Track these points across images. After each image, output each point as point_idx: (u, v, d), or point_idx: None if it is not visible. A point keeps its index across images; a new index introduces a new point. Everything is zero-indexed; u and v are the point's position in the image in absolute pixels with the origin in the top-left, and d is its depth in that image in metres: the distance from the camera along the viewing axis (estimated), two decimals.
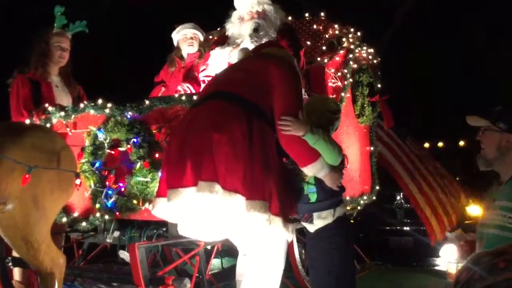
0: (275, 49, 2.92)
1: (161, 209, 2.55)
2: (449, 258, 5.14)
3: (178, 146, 2.47)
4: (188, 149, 2.40)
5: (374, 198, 4.73)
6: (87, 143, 3.48)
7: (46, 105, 3.62)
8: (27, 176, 2.52)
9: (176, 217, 2.63)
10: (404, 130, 6.39)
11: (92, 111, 3.48)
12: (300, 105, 2.66)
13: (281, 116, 2.53)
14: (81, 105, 3.53)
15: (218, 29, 4.70)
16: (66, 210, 3.46)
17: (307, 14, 4.47)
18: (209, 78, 4.09)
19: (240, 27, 3.84)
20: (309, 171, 2.64)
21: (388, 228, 6.89)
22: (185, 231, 2.70)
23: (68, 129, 3.54)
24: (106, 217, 3.39)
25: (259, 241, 2.63)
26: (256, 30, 3.68)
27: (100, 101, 3.48)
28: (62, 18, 3.97)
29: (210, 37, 4.73)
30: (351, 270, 2.85)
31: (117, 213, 3.37)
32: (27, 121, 3.54)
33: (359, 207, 4.51)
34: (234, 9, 3.89)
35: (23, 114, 3.70)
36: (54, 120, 3.56)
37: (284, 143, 2.58)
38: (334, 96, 4.09)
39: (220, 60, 3.89)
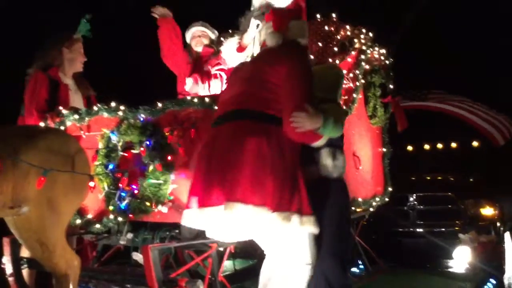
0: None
1: (190, 220, 2.67)
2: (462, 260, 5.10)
3: (206, 165, 2.57)
4: (216, 168, 2.51)
5: (386, 199, 4.71)
6: (100, 145, 3.51)
7: (60, 108, 3.66)
8: (42, 179, 2.55)
9: (206, 225, 2.74)
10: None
11: (105, 114, 3.52)
12: (311, 96, 2.62)
13: (292, 112, 2.51)
14: (95, 108, 3.57)
15: (230, 31, 4.72)
16: (80, 212, 3.49)
17: (318, 15, 4.46)
18: (221, 72, 4.14)
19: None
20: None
21: (400, 229, 6.82)
22: (213, 234, 2.79)
23: (82, 132, 3.58)
24: (120, 219, 3.42)
25: (286, 240, 2.64)
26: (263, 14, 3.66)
27: (113, 104, 3.51)
28: (87, 24, 4.02)
29: (222, 39, 4.74)
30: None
31: (130, 215, 3.39)
32: (42, 124, 3.57)
33: (371, 209, 4.49)
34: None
35: (32, 114, 3.72)
36: (68, 123, 3.60)
37: (295, 138, 2.58)
38: (346, 97, 4.09)
39: (231, 49, 3.89)
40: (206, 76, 4.17)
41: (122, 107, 3.48)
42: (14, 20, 7.88)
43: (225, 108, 2.70)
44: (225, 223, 2.64)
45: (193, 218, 2.62)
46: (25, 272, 3.52)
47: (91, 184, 2.91)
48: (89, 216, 3.53)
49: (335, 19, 4.35)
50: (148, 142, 3.36)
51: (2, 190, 2.50)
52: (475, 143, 9.07)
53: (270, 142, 2.50)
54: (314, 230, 2.55)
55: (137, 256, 3.50)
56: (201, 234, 3.36)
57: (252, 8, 3.70)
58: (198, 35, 4.38)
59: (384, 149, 4.75)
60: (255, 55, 3.00)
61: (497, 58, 10.15)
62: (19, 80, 3.98)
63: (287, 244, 2.64)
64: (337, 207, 2.84)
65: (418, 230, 6.75)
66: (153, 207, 3.33)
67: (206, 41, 4.39)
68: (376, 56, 4.52)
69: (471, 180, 7.49)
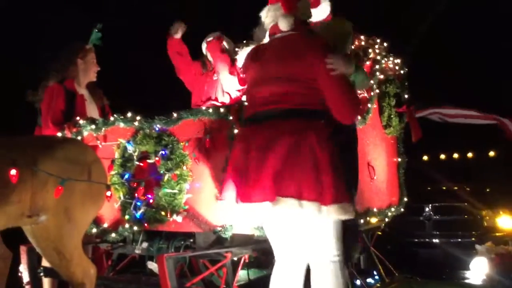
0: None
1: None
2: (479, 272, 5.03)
3: (256, 165, 2.59)
4: (278, 165, 2.55)
5: (402, 210, 4.68)
6: (116, 155, 3.55)
7: (78, 118, 3.70)
8: (60, 188, 2.58)
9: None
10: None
11: (121, 124, 3.55)
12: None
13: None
14: (111, 118, 3.61)
15: (244, 41, 4.76)
16: (96, 221, 3.52)
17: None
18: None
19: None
20: None
21: (416, 240, 6.77)
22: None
23: (98, 141, 3.62)
24: (135, 228, 3.44)
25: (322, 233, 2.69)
26: None
27: (129, 114, 3.55)
28: (98, 34, 4.08)
29: (237, 49, 4.78)
30: None
31: (146, 224, 3.41)
32: (59, 134, 3.62)
33: (386, 219, 4.46)
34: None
35: (49, 127, 3.78)
36: (85, 133, 3.65)
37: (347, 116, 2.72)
38: (360, 107, 4.08)
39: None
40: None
41: (138, 117, 3.51)
42: (20, 24, 7.97)
43: (265, 107, 2.70)
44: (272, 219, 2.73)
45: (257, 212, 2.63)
46: (46, 281, 3.56)
47: (108, 193, 2.94)
48: (105, 225, 3.57)
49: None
50: (163, 152, 3.39)
51: (20, 199, 2.54)
52: (491, 153, 8.97)
53: (322, 138, 2.57)
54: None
55: (152, 265, 3.52)
56: (215, 243, 3.39)
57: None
58: None
59: (399, 159, 4.72)
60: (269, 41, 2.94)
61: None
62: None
63: (320, 237, 2.68)
64: None
65: (434, 240, 6.69)
66: (168, 216, 3.35)
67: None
68: (391, 66, 4.51)
69: (487, 190, 7.40)
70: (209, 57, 4.43)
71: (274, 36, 2.85)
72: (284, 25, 2.78)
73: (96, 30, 4.08)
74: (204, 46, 4.50)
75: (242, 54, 4.07)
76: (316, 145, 2.54)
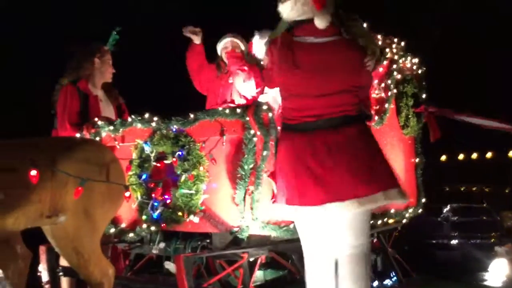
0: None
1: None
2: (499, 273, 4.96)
3: (335, 168, 2.78)
4: (344, 167, 2.78)
5: (420, 211, 4.63)
6: (134, 156, 3.57)
7: (96, 119, 3.74)
8: (79, 188, 2.61)
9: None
10: None
11: (139, 125, 3.57)
12: None
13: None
14: (129, 119, 3.63)
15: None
16: (114, 221, 3.55)
17: None
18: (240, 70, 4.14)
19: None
20: None
21: (434, 241, 6.70)
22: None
23: (116, 142, 3.65)
24: (152, 228, 3.46)
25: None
26: None
27: (146, 115, 3.57)
28: (116, 37, 4.11)
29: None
30: None
31: (163, 225, 3.43)
32: (78, 135, 3.66)
33: (404, 220, 4.42)
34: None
35: (66, 128, 3.82)
36: (103, 134, 3.68)
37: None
38: (378, 107, 4.05)
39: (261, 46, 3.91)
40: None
41: (155, 118, 3.53)
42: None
43: (320, 111, 2.84)
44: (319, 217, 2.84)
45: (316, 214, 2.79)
46: (64, 280, 3.60)
47: (127, 194, 2.96)
48: (123, 225, 3.59)
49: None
50: (180, 153, 3.40)
51: (40, 199, 2.57)
52: (511, 153, 8.84)
53: (372, 136, 2.97)
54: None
55: (169, 265, 3.54)
56: (232, 244, 3.39)
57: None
58: (232, 46, 4.40)
59: (417, 160, 4.67)
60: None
61: None
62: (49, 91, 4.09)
63: (359, 229, 2.87)
64: None
65: (452, 241, 6.62)
66: (185, 217, 3.36)
67: (238, 52, 4.41)
68: (408, 65, 4.47)
69: (506, 191, 7.30)
70: (224, 59, 4.41)
71: (312, 40, 2.85)
72: (322, 24, 2.81)
73: (115, 33, 4.11)
74: (218, 48, 4.48)
75: (258, 46, 4.02)
76: (372, 142, 2.92)
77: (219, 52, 4.49)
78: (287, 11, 2.86)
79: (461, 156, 8.05)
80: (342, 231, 2.85)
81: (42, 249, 3.52)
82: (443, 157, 8.27)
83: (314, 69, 2.80)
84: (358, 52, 2.89)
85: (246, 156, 3.22)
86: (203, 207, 3.36)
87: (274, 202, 3.07)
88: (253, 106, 3.34)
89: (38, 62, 7.69)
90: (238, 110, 3.32)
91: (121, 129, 3.65)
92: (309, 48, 2.85)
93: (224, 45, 4.41)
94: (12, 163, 2.40)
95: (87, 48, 4.08)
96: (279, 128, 3.30)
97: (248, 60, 4.39)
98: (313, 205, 2.75)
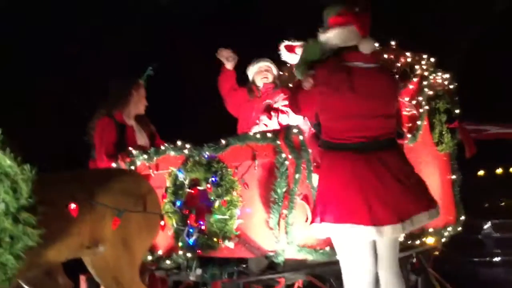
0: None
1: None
2: None
3: (372, 186, 2.89)
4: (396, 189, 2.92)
5: (459, 229, 4.51)
6: (168, 183, 3.62)
7: (130, 148, 3.82)
8: (117, 219, 2.67)
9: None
10: None
11: (172, 153, 3.63)
12: None
13: None
14: (162, 147, 3.70)
15: (288, 65, 4.79)
16: (151, 248, 3.59)
17: (377, 44, 4.44)
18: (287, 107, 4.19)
19: None
20: None
21: (476, 259, 6.49)
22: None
23: (151, 170, 3.71)
24: (189, 255, 3.48)
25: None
26: None
27: (179, 143, 3.63)
28: (151, 72, 4.24)
29: (281, 73, 4.82)
30: None
31: (199, 251, 3.45)
32: (113, 165, 3.75)
33: (443, 239, 4.32)
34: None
35: (103, 159, 3.91)
36: (138, 163, 3.74)
37: None
38: (410, 124, 4.01)
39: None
40: (270, 112, 4.23)
41: (187, 145, 3.59)
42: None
43: (372, 133, 2.98)
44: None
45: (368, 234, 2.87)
46: None
47: (162, 223, 3.00)
48: (160, 252, 3.62)
49: (394, 47, 4.30)
50: (213, 179, 3.44)
51: (80, 231, 2.64)
52: None
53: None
54: None
55: None
56: (268, 269, 3.38)
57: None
58: (265, 69, 4.43)
59: (454, 176, 4.57)
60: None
61: None
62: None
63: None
64: None
65: (495, 259, 6.40)
66: (220, 242, 3.38)
67: (271, 76, 4.41)
68: (439, 81, 4.41)
69: None
70: (257, 83, 4.46)
71: (361, 65, 2.99)
72: (367, 49, 2.97)
73: (150, 68, 4.23)
74: (250, 72, 4.53)
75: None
76: (409, 163, 3.12)
77: (250, 77, 4.54)
78: (331, 38, 3.03)
79: (499, 170, 7.82)
80: (386, 250, 2.99)
81: (82, 279, 3.59)
82: (481, 172, 8.04)
83: (368, 93, 2.95)
84: (393, 78, 3.21)
85: (278, 179, 3.23)
86: (238, 232, 3.37)
87: (315, 222, 3.02)
88: (283, 130, 3.37)
89: (37, 62, 7.88)
90: (269, 134, 3.34)
91: (155, 157, 3.71)
92: (361, 72, 2.98)
93: (257, 70, 4.46)
94: (53, 197, 2.48)
95: (124, 82, 4.21)
96: (310, 150, 3.31)
97: (280, 84, 4.44)
98: (381, 225, 2.83)
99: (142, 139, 4.18)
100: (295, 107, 3.32)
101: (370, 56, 3.03)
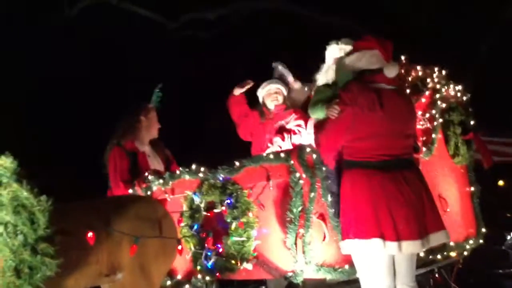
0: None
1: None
2: None
3: (395, 204, 2.97)
4: (418, 207, 3.01)
5: (481, 241, 4.42)
6: (184, 207, 3.64)
7: (146, 174, 3.85)
8: (134, 246, 2.69)
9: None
10: None
11: (187, 176, 3.66)
12: None
13: None
14: (177, 172, 3.73)
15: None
16: (170, 273, 3.59)
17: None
18: (299, 127, 4.21)
19: (327, 74, 3.90)
20: None
21: (501, 271, 6.35)
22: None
23: (166, 195, 3.74)
24: (207, 278, 3.48)
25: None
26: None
27: (193, 166, 3.65)
28: (159, 94, 4.29)
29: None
30: None
31: (218, 274, 3.45)
32: (130, 191, 3.78)
33: (465, 252, 4.24)
34: (323, 61, 3.98)
35: (119, 186, 3.96)
36: (154, 188, 3.77)
37: None
38: (424, 138, 3.98)
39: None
40: (283, 133, 4.25)
41: (202, 169, 3.61)
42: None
43: (395, 152, 3.08)
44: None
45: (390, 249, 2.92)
46: None
47: (179, 247, 3.01)
48: (178, 277, 3.62)
49: (404, 61, 4.30)
50: (229, 201, 3.45)
51: (98, 259, 2.66)
52: None
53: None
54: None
55: None
56: None
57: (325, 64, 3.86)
58: (275, 92, 4.45)
59: (472, 188, 4.50)
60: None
61: None
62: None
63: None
64: None
65: None
66: (238, 264, 3.37)
67: (281, 98, 4.43)
68: (452, 93, 4.38)
69: None
70: (268, 106, 4.48)
71: (385, 86, 3.11)
72: (392, 73, 3.10)
73: (157, 90, 4.29)
74: (260, 94, 4.55)
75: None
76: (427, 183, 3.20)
77: (260, 99, 4.56)
78: (354, 61, 3.20)
79: None
80: (404, 266, 3.05)
81: None
82: (501, 182, 7.89)
83: (395, 113, 3.07)
84: (411, 100, 3.38)
85: (293, 199, 3.23)
86: (255, 254, 3.36)
87: (348, 238, 3.06)
88: (296, 149, 3.37)
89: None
90: (282, 155, 3.35)
91: (170, 182, 3.74)
92: (387, 93, 3.10)
93: (267, 92, 4.48)
94: (69, 227, 2.51)
95: (132, 109, 4.26)
96: (324, 168, 3.30)
97: (290, 105, 4.45)
98: (404, 240, 2.90)
99: (156, 164, 4.22)
100: (324, 138, 3.27)
101: (394, 79, 3.15)
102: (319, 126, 3.46)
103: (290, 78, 4.55)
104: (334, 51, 3.85)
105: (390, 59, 3.12)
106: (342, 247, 3.09)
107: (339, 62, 3.54)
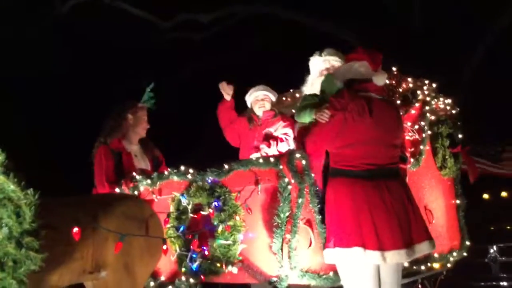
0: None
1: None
2: None
3: (381, 214, 2.98)
4: (402, 216, 3.02)
5: (464, 254, 4.47)
6: (171, 208, 3.62)
7: (134, 174, 3.83)
8: (119, 244, 2.67)
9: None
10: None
11: (175, 178, 3.64)
12: None
13: None
14: (165, 172, 3.71)
15: (291, 90, 4.83)
16: (154, 274, 3.56)
17: None
18: (286, 136, 4.22)
19: (312, 87, 3.93)
20: None
21: (483, 283, 6.41)
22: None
23: (154, 195, 3.72)
24: (192, 280, 3.46)
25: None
26: None
27: (182, 168, 3.64)
28: (150, 94, 4.26)
29: (284, 98, 4.86)
30: None
31: (202, 277, 3.43)
32: (117, 190, 3.76)
33: (448, 265, 4.27)
34: (308, 73, 4.00)
35: (104, 186, 3.94)
36: (141, 188, 3.76)
37: None
38: (412, 149, 4.01)
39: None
40: (270, 141, 4.26)
41: (190, 170, 3.60)
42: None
43: (381, 161, 3.11)
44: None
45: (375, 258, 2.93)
46: None
47: (164, 247, 2.99)
48: (162, 278, 3.60)
49: (395, 72, 4.34)
50: (216, 203, 3.43)
51: (82, 255, 2.63)
52: None
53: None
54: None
55: None
56: None
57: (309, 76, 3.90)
58: (262, 99, 4.47)
59: (458, 201, 4.55)
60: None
61: None
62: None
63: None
64: None
65: (501, 283, 6.32)
66: (224, 267, 3.36)
67: (268, 105, 4.45)
68: (442, 106, 4.43)
69: None
70: (256, 112, 4.48)
71: (375, 96, 3.17)
72: (380, 82, 3.18)
73: (148, 90, 4.26)
74: (248, 100, 4.56)
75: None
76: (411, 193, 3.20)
77: (249, 104, 4.56)
78: (344, 72, 3.31)
79: (504, 193, 7.76)
80: (389, 275, 3.07)
81: None
82: (485, 196, 7.98)
83: (383, 122, 3.13)
84: (399, 111, 3.39)
85: (281, 204, 3.22)
86: (241, 257, 3.35)
87: (328, 247, 3.11)
88: (286, 155, 3.38)
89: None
90: (272, 159, 3.35)
91: (158, 182, 3.73)
92: (375, 102, 3.16)
93: (254, 99, 4.49)
94: (55, 221, 2.48)
95: (120, 107, 4.23)
96: (313, 175, 3.31)
97: (278, 112, 4.47)
98: (386, 250, 2.91)
99: (143, 164, 4.19)
100: (311, 143, 3.35)
101: (382, 89, 3.24)
102: (305, 132, 3.50)
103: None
104: (318, 63, 3.88)
105: (379, 69, 3.20)
106: (325, 256, 3.13)
107: (329, 75, 3.65)
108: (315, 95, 3.76)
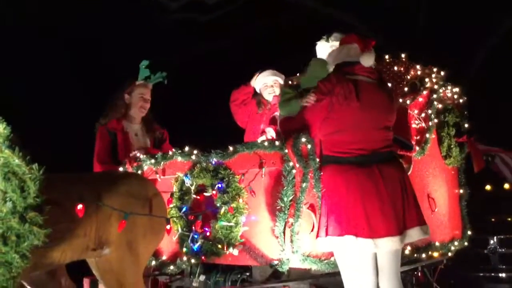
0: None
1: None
2: None
3: (379, 200, 2.96)
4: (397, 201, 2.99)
5: (465, 243, 4.47)
6: (175, 188, 3.62)
7: (137, 153, 3.81)
8: (123, 222, 2.67)
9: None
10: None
11: (179, 158, 3.63)
12: None
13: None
14: (170, 153, 3.70)
15: (298, 74, 4.79)
16: (155, 253, 3.58)
17: (387, 56, 4.44)
18: None
19: None
20: None
21: (481, 274, 6.43)
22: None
23: (157, 175, 3.71)
24: (193, 261, 3.48)
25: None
26: None
27: (186, 148, 3.63)
28: (146, 71, 4.19)
29: (290, 82, 4.81)
30: None
31: (203, 257, 3.44)
32: (121, 169, 3.75)
33: (449, 253, 4.28)
34: (315, 55, 3.96)
35: (95, 165, 3.95)
36: (145, 167, 3.75)
37: None
38: (418, 137, 3.99)
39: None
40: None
41: (195, 151, 3.59)
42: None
43: (373, 146, 3.06)
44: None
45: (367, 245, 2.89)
46: None
47: (168, 226, 3.00)
48: (164, 257, 3.62)
49: (404, 59, 4.30)
50: (220, 185, 3.44)
51: (85, 233, 2.63)
52: None
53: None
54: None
55: None
56: (272, 277, 3.36)
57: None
58: (271, 85, 4.42)
59: (461, 191, 4.54)
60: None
61: None
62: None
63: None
64: None
65: (500, 274, 6.34)
66: (225, 249, 3.37)
67: (278, 90, 4.39)
68: (449, 95, 4.40)
69: None
70: (265, 96, 4.45)
71: (364, 79, 3.12)
72: (368, 62, 3.14)
73: (143, 67, 4.19)
74: (257, 84, 4.50)
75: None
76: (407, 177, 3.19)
77: (257, 89, 4.52)
78: (335, 55, 3.30)
79: (506, 186, 7.74)
80: (387, 262, 3.02)
81: (86, 282, 3.59)
82: (488, 187, 7.96)
83: (372, 105, 3.07)
84: (391, 93, 3.33)
85: (285, 188, 3.22)
86: (242, 240, 3.37)
87: (320, 236, 3.07)
88: (291, 138, 3.36)
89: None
90: (277, 143, 3.34)
91: (162, 162, 3.72)
92: (365, 85, 3.10)
93: (263, 84, 4.44)
94: (59, 198, 2.48)
95: (118, 87, 4.21)
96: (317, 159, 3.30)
97: None
98: (378, 237, 2.88)
99: (142, 143, 4.16)
100: (298, 124, 3.31)
101: (371, 71, 3.18)
102: (289, 120, 3.43)
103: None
104: (325, 48, 3.82)
105: (366, 49, 3.16)
106: (317, 245, 3.09)
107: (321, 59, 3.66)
108: (294, 87, 3.74)
